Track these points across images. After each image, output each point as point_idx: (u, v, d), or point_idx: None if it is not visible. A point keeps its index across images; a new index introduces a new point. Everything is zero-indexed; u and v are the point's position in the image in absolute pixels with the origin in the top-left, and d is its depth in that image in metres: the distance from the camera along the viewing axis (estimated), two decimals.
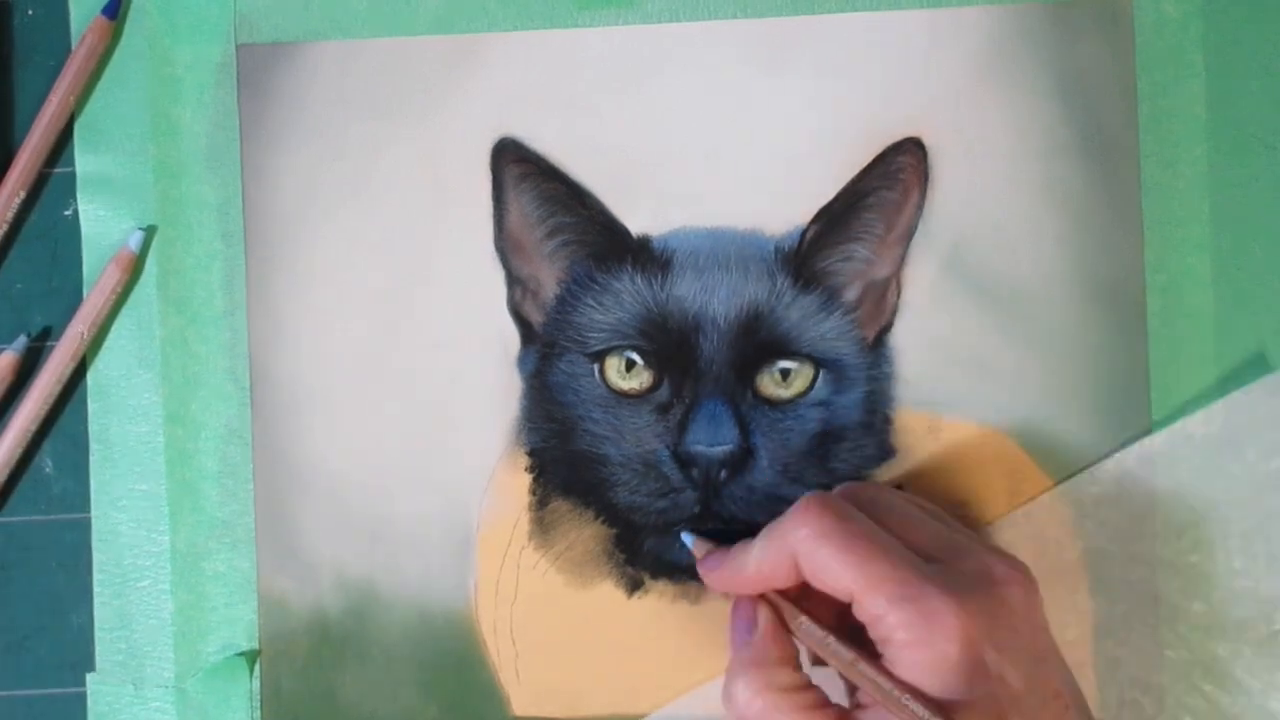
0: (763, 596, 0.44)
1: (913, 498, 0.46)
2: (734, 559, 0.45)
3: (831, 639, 0.42)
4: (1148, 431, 0.49)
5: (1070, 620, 0.49)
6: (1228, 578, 0.48)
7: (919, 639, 0.39)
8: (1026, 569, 0.42)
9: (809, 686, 0.42)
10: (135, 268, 0.51)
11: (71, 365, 0.50)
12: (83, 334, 0.50)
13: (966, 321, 0.50)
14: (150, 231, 0.51)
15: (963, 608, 0.39)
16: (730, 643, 0.45)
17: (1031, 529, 0.49)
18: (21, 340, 0.51)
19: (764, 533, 0.43)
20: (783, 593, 0.44)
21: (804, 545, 0.41)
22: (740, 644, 0.44)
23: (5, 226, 0.51)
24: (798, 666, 0.43)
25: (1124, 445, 0.49)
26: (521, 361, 0.50)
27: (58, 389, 0.50)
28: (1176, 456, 0.49)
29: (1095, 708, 0.49)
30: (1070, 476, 0.49)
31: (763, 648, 0.43)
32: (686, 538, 0.48)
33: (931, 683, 0.39)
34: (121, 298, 0.51)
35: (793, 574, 0.43)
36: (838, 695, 0.43)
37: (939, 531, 0.43)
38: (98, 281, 0.50)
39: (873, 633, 0.41)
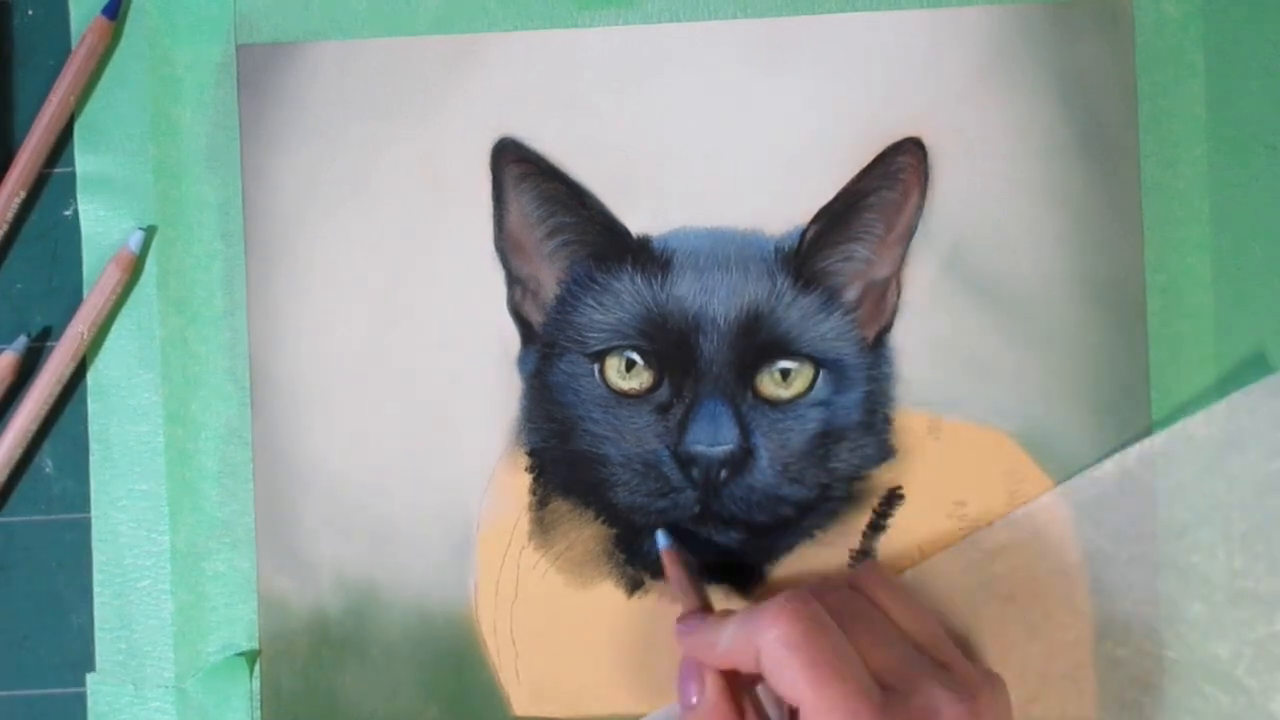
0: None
1: (899, 597, 0.46)
2: (707, 632, 0.45)
3: None
4: (1148, 431, 0.49)
5: (1070, 621, 0.49)
6: (1228, 579, 0.48)
7: None
8: (978, 702, 0.42)
9: None
10: (135, 268, 0.51)
11: (71, 365, 0.50)
12: (83, 334, 0.50)
13: (966, 321, 0.50)
14: (150, 231, 0.51)
15: None
16: (678, 694, 0.45)
17: (1031, 529, 0.49)
18: (21, 340, 0.51)
19: (738, 618, 0.43)
20: None
21: (770, 649, 0.41)
22: (685, 704, 0.45)
23: (5, 226, 0.51)
24: None
25: (1124, 445, 0.49)
26: (521, 361, 0.50)
27: (58, 389, 0.50)
28: (1177, 457, 0.48)
29: (1095, 708, 0.49)
30: (1070, 477, 0.49)
31: (704, 716, 0.44)
32: (661, 538, 0.48)
33: None
34: (121, 298, 0.51)
35: (755, 665, 0.43)
36: None
37: (901, 656, 0.42)
38: (98, 282, 0.50)
39: None
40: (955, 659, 0.44)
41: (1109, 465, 0.49)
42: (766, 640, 0.41)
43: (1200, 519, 0.48)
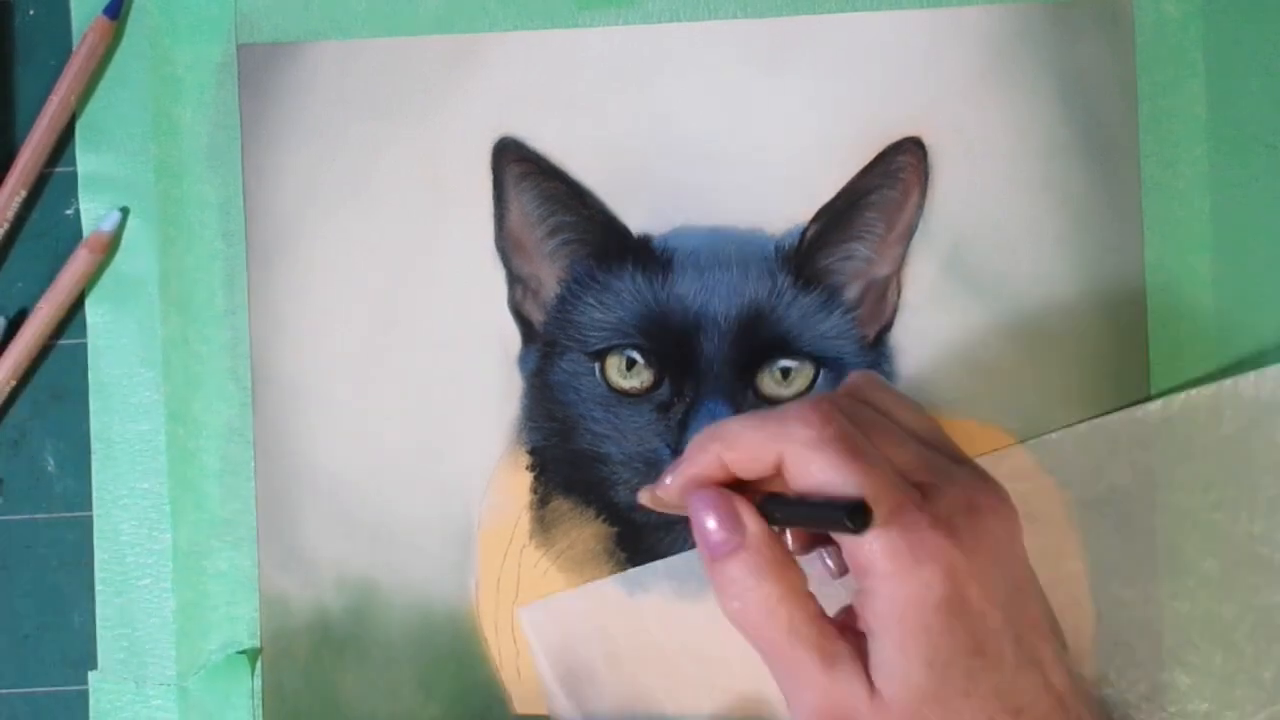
0: (741, 493, 0.40)
1: (899, 399, 0.42)
2: (709, 442, 0.40)
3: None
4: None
5: (1077, 552, 0.49)
6: (1246, 541, 0.48)
7: (904, 569, 0.37)
8: (1007, 495, 0.40)
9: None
10: (111, 249, 0.51)
11: (36, 344, 0.50)
12: (44, 311, 0.50)
13: (966, 321, 0.50)
14: (125, 212, 0.51)
15: (950, 540, 0.37)
16: (704, 542, 0.39)
17: (1061, 458, 0.49)
18: None
19: (754, 421, 0.39)
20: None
21: (802, 450, 0.38)
22: (716, 547, 0.39)
23: (6, 225, 0.51)
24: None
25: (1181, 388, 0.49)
26: (522, 360, 0.50)
27: (22, 366, 0.50)
28: (1220, 413, 0.48)
29: (1091, 641, 0.49)
30: (1117, 410, 0.49)
31: (754, 556, 0.39)
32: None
33: (911, 617, 0.37)
34: (94, 278, 0.51)
35: (766, 470, 0.39)
36: None
37: (922, 452, 0.40)
38: (67, 262, 0.50)
39: (851, 560, 0.38)
40: (965, 457, 0.42)
41: (1153, 407, 0.48)
42: (799, 442, 0.38)
43: (1229, 477, 0.48)
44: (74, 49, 0.51)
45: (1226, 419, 0.48)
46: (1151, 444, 0.49)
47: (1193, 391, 0.49)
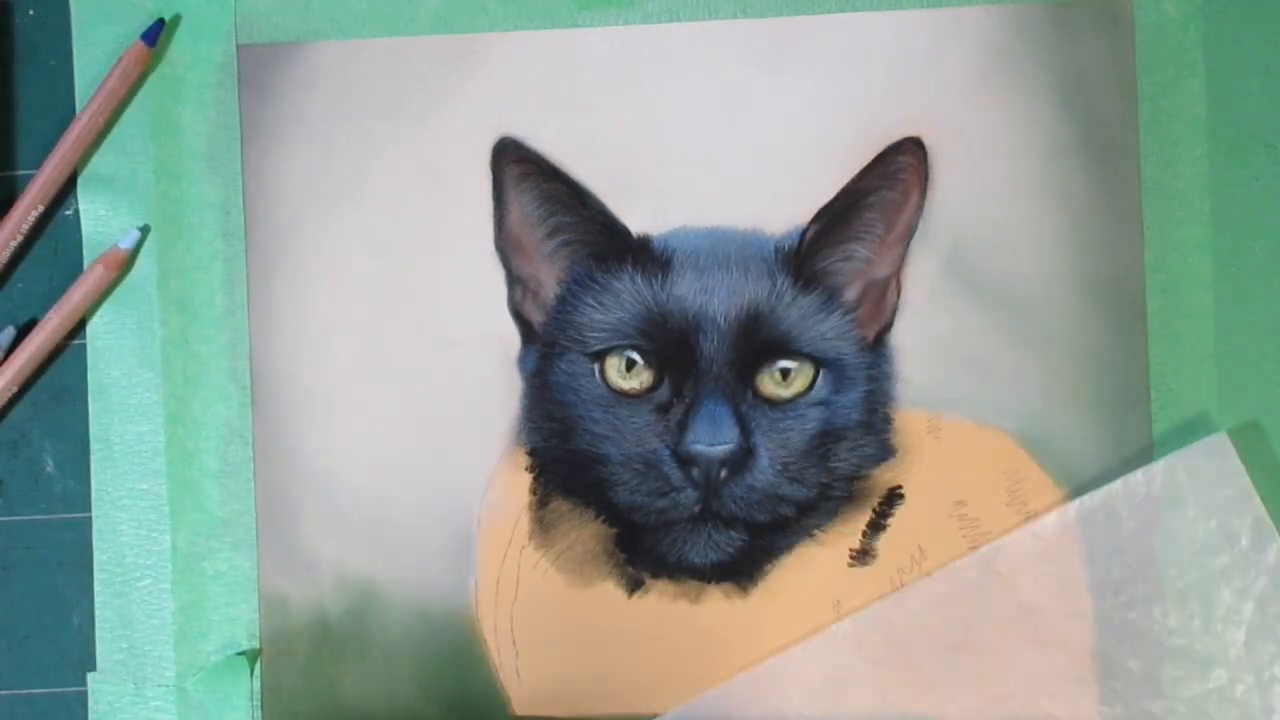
0: None
1: None
2: None
3: None
4: (1148, 431, 0.49)
5: (1007, 675, 0.49)
6: (1163, 636, 0.48)
7: None
8: None
9: None
10: (125, 266, 0.50)
11: (40, 358, 0.50)
12: (55, 327, 0.50)
13: (966, 321, 0.50)
14: (145, 231, 0.51)
15: None
16: None
17: (969, 583, 0.49)
18: (9, 332, 0.51)
19: None
20: None
21: None
22: None
23: (20, 239, 0.50)
24: None
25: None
26: (522, 361, 0.50)
27: (23, 377, 0.50)
28: (1116, 514, 0.48)
29: None
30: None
31: None
32: None
33: None
34: (105, 294, 0.51)
35: None
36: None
37: None
38: (81, 276, 0.50)
39: None
40: None
41: (1050, 520, 0.49)
42: None
43: (1136, 575, 0.48)
44: (108, 72, 0.50)
45: (1124, 519, 0.48)
46: (1054, 555, 0.49)
47: (1084, 498, 0.49)
